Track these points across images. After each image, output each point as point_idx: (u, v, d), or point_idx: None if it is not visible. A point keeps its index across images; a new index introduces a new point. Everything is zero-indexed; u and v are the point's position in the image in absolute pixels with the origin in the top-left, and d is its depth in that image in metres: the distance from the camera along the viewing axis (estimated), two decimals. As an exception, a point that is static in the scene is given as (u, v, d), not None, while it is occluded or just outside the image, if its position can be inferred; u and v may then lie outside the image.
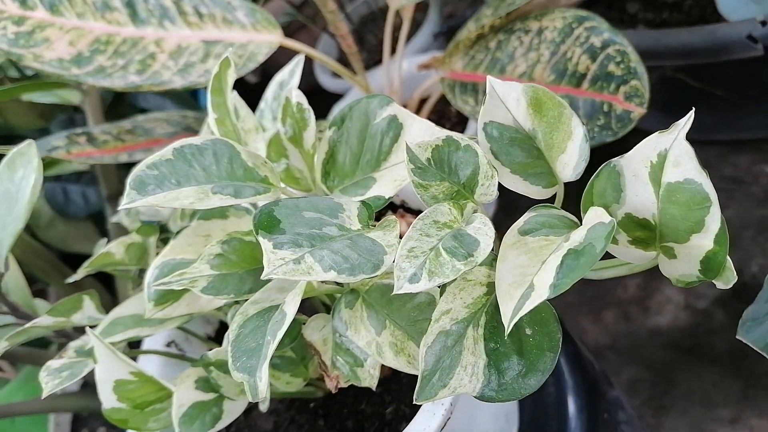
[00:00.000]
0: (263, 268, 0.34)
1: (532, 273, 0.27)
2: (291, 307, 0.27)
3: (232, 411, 0.36)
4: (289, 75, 0.45)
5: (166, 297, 0.36)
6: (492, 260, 0.30)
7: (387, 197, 0.34)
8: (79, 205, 0.81)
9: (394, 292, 0.26)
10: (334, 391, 0.33)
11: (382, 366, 0.34)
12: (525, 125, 0.31)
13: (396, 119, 0.36)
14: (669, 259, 0.29)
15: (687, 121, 0.26)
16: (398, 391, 0.42)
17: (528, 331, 0.28)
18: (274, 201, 0.29)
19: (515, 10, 0.63)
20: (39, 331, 0.40)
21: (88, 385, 0.82)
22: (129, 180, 0.30)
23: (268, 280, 0.33)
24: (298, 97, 0.39)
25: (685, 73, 0.70)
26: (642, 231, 0.29)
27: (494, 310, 0.29)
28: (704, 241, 0.26)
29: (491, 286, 0.29)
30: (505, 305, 0.26)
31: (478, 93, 0.65)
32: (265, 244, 0.27)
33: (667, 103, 0.61)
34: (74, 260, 0.84)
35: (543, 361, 0.27)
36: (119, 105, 0.88)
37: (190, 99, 0.90)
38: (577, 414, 0.53)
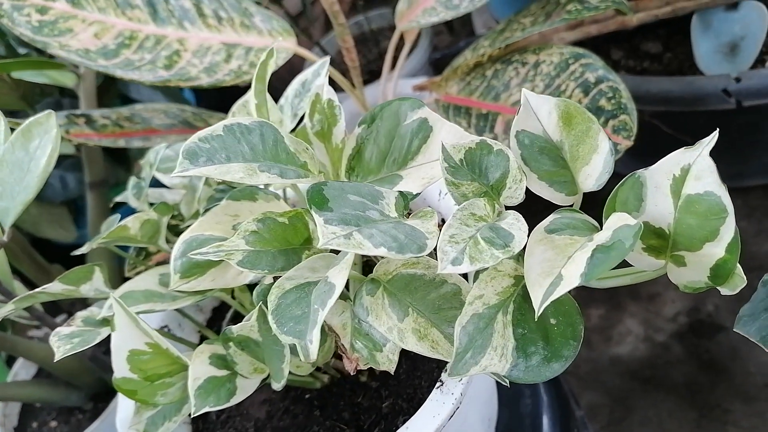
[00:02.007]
0: (294, 248, 0.35)
1: (559, 266, 0.29)
2: (339, 280, 0.28)
3: (245, 388, 0.37)
4: (313, 75, 0.47)
5: (192, 271, 0.36)
6: (519, 256, 0.32)
7: (415, 192, 0.36)
8: (57, 189, 0.80)
9: (438, 272, 0.28)
10: (353, 373, 0.34)
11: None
12: (554, 136, 0.34)
13: (426, 122, 0.38)
14: (678, 267, 0.31)
15: (711, 139, 0.29)
16: (396, 387, 0.44)
17: (553, 321, 0.30)
18: (322, 181, 0.31)
19: (513, 43, 0.67)
20: (45, 297, 0.40)
21: (42, 374, 0.79)
22: (182, 150, 0.31)
23: (299, 261, 0.35)
24: (329, 94, 0.40)
25: (660, 119, 0.75)
26: (656, 239, 0.31)
27: (522, 300, 0.31)
28: (716, 249, 0.29)
29: (518, 279, 0.32)
30: (535, 292, 0.28)
31: (471, 116, 0.68)
32: (318, 219, 0.29)
33: (640, 147, 0.66)
34: (44, 245, 0.82)
35: (566, 348, 0.29)
36: (105, 94, 0.87)
37: (179, 94, 0.91)
38: (551, 428, 0.55)
